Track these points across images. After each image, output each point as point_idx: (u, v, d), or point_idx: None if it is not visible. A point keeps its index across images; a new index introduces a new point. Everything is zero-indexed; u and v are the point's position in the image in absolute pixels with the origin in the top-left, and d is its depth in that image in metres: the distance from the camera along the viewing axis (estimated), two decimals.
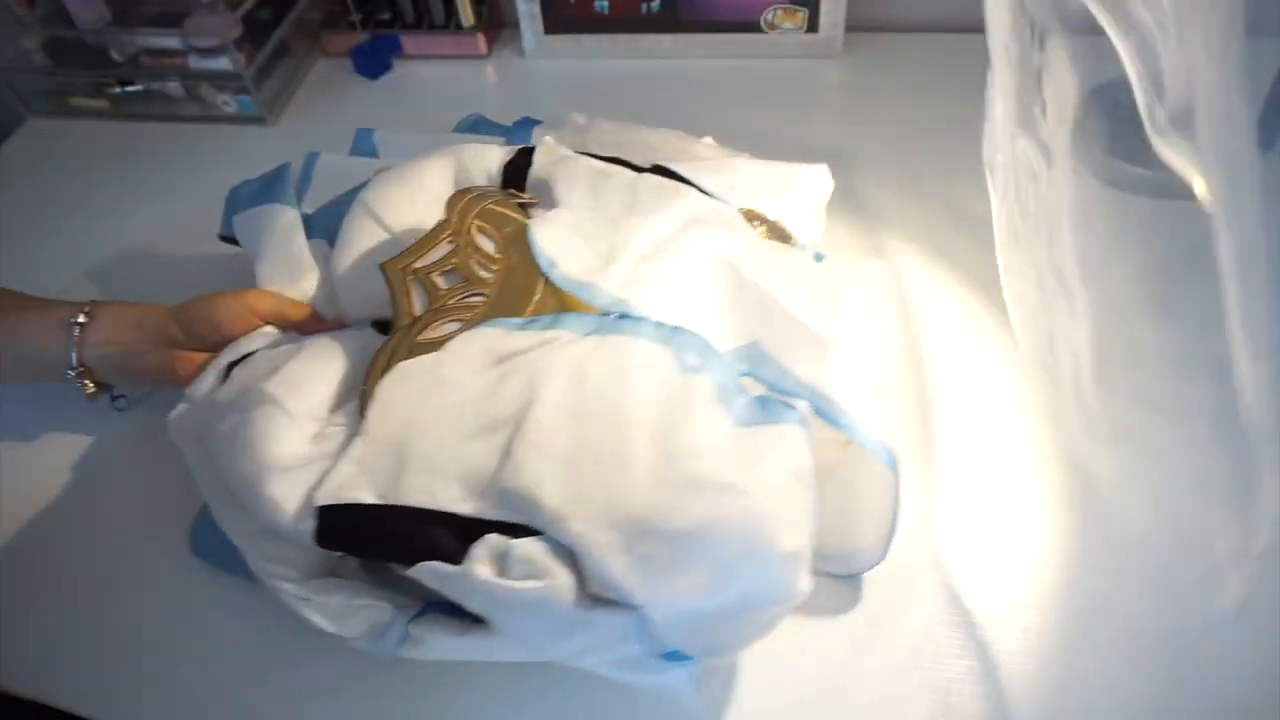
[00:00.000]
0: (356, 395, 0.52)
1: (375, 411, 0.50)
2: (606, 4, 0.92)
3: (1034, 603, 0.53)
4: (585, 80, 0.93)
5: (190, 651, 0.55)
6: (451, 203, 0.58)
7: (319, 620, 0.49)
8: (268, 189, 0.69)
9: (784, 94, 0.86)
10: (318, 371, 0.54)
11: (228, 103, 0.91)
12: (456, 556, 0.44)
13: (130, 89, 0.92)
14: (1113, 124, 0.78)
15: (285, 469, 0.48)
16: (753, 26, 0.91)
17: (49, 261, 0.80)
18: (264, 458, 0.48)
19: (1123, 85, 0.86)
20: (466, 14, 0.95)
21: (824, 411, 0.49)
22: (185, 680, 0.54)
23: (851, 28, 0.91)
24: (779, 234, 0.62)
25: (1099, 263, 0.70)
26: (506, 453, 0.46)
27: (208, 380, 0.58)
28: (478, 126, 0.84)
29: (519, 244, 0.56)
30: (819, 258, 0.65)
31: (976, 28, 0.97)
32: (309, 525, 0.46)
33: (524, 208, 0.59)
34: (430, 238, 0.56)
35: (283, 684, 0.54)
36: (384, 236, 0.60)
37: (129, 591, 0.58)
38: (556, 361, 0.49)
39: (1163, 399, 0.62)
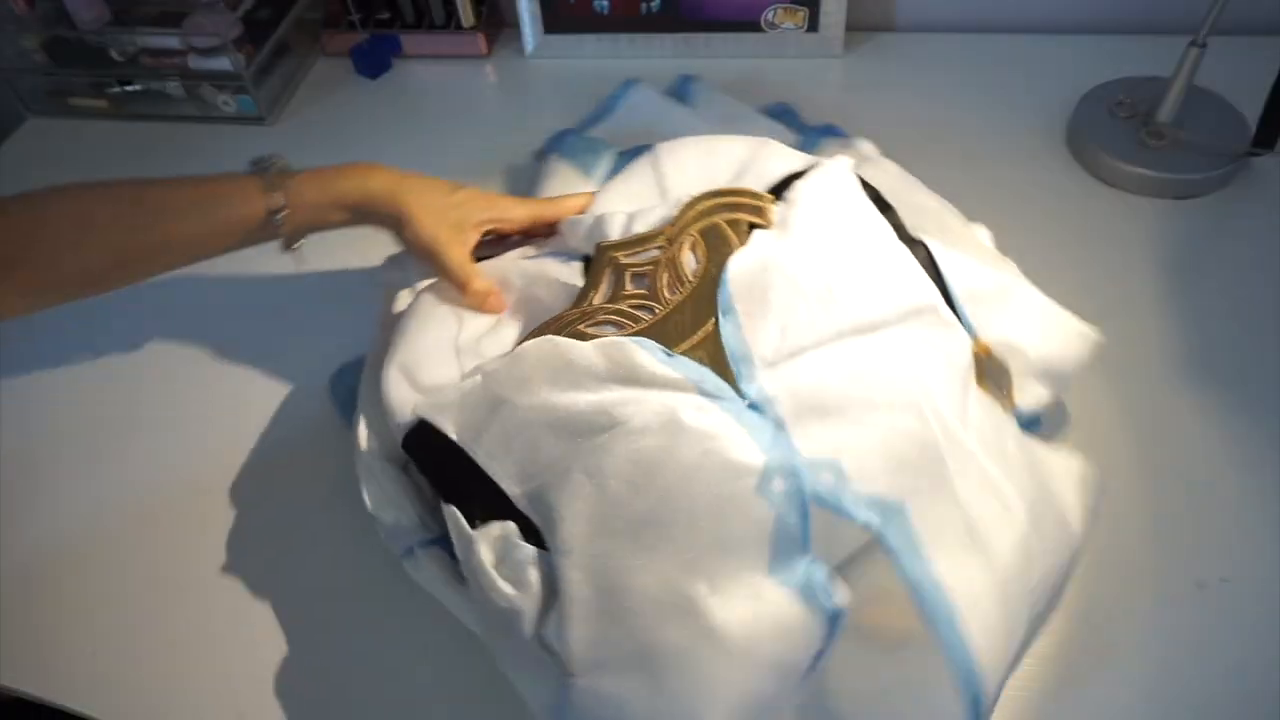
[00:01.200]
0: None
1: (504, 364, 0.51)
2: (606, 4, 0.92)
3: None
4: (585, 80, 0.93)
5: (191, 651, 0.56)
6: (687, 205, 0.56)
7: (366, 497, 0.54)
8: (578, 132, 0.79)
9: (784, 94, 0.86)
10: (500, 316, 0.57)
11: (228, 102, 0.91)
12: (477, 521, 0.47)
13: (130, 89, 0.92)
14: (1112, 124, 0.78)
15: (415, 381, 0.53)
16: (753, 26, 0.91)
17: None
18: (401, 355, 0.54)
19: (1122, 85, 0.86)
20: (466, 14, 0.95)
21: (932, 622, 0.42)
22: (185, 679, 0.54)
23: (851, 27, 0.91)
24: (1000, 389, 0.51)
25: (1100, 263, 0.70)
26: (567, 467, 0.46)
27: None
28: (783, 116, 0.82)
29: (713, 275, 0.51)
30: (1033, 425, 0.55)
31: (977, 28, 0.97)
32: (404, 429, 0.51)
33: (754, 227, 0.54)
34: (648, 237, 0.55)
35: (283, 684, 0.54)
36: (655, 187, 0.60)
37: (130, 591, 0.59)
38: (653, 419, 0.45)
39: (1162, 399, 0.62)
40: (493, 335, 0.56)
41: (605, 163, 0.77)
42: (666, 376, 0.46)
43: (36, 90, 0.94)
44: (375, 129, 0.90)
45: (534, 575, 0.45)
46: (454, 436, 0.49)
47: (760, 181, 0.57)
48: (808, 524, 0.43)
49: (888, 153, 0.75)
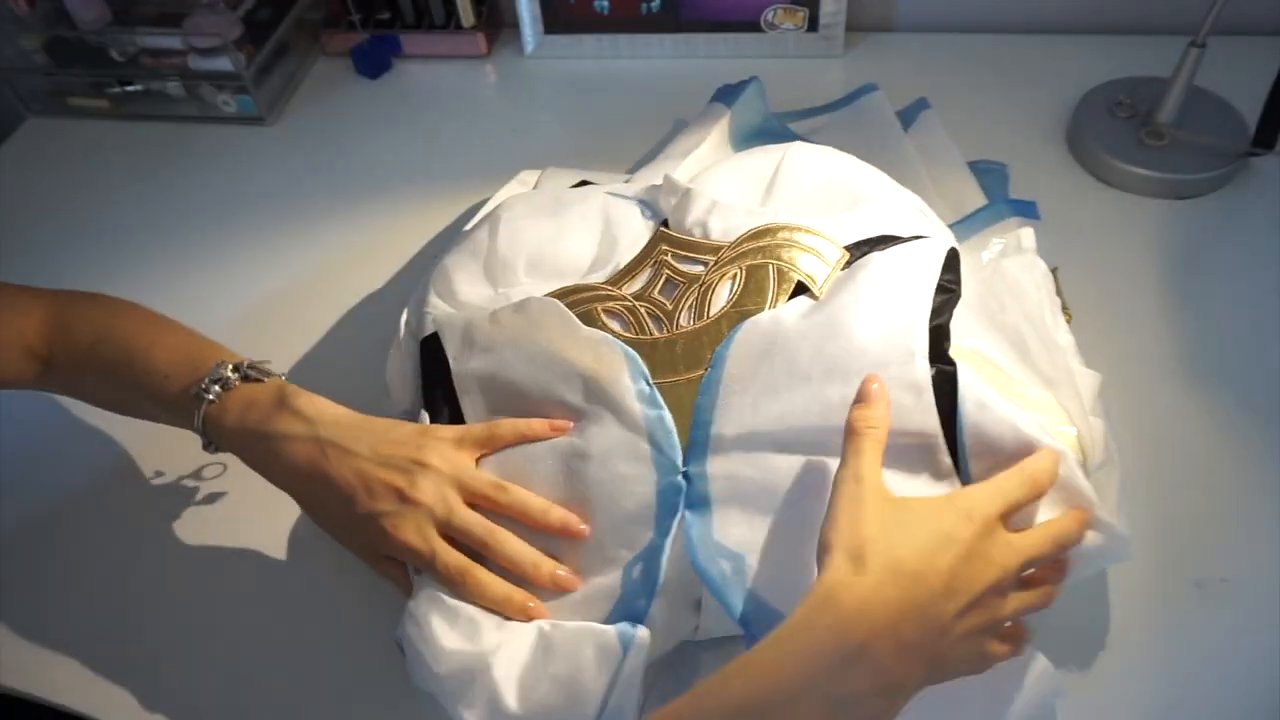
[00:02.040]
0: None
1: (513, 316, 0.54)
2: (606, 4, 0.92)
3: None
4: (585, 80, 0.93)
5: (191, 650, 0.56)
6: (756, 233, 0.54)
7: (390, 359, 0.59)
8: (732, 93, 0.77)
9: (784, 94, 0.86)
10: (550, 234, 0.59)
11: (228, 103, 0.91)
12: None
13: (130, 89, 0.92)
14: (1112, 124, 0.78)
15: (452, 300, 0.58)
16: (753, 26, 0.91)
17: (48, 261, 0.80)
18: (447, 278, 0.59)
19: (1122, 85, 0.86)
20: (466, 14, 0.95)
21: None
22: (185, 679, 0.54)
23: (851, 27, 0.91)
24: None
25: (1100, 263, 0.70)
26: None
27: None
28: (990, 174, 0.76)
29: (730, 323, 0.51)
30: None
31: (977, 28, 0.97)
32: (424, 334, 0.57)
33: (802, 289, 0.52)
34: (704, 247, 0.55)
35: (283, 684, 0.54)
36: (767, 182, 0.58)
37: (130, 591, 0.59)
38: (603, 454, 0.48)
39: (1162, 398, 0.62)
40: (551, 248, 0.58)
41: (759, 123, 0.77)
42: (631, 412, 0.48)
43: (36, 90, 0.94)
44: (375, 129, 0.90)
45: None
46: (450, 362, 0.54)
47: (855, 229, 0.54)
48: (648, 607, 0.45)
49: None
